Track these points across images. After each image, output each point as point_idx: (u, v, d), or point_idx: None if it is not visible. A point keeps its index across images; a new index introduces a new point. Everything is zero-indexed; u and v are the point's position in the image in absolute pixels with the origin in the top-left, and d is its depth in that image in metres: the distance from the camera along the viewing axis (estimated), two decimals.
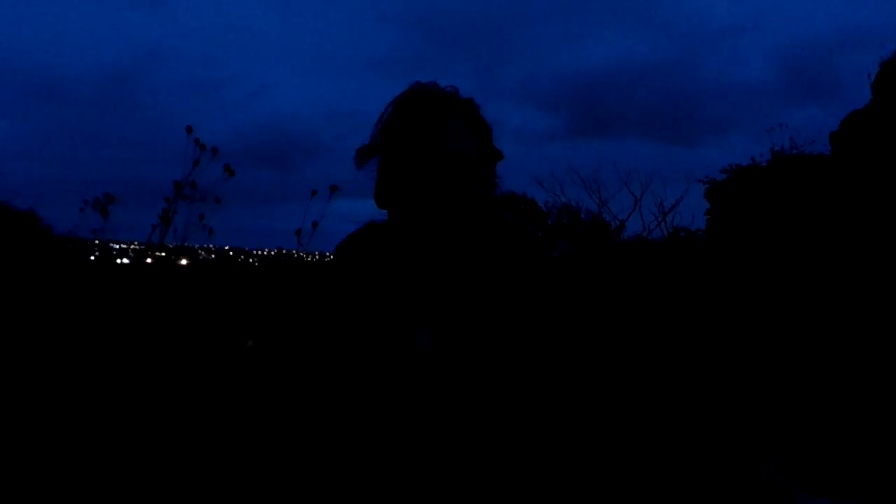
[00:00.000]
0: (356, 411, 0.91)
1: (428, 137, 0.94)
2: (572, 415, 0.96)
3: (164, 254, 3.97)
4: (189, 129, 3.24)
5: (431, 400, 0.91)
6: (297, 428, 0.94)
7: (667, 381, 4.47)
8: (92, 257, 4.99)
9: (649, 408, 3.92)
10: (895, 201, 6.28)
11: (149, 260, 4.04)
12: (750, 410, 4.02)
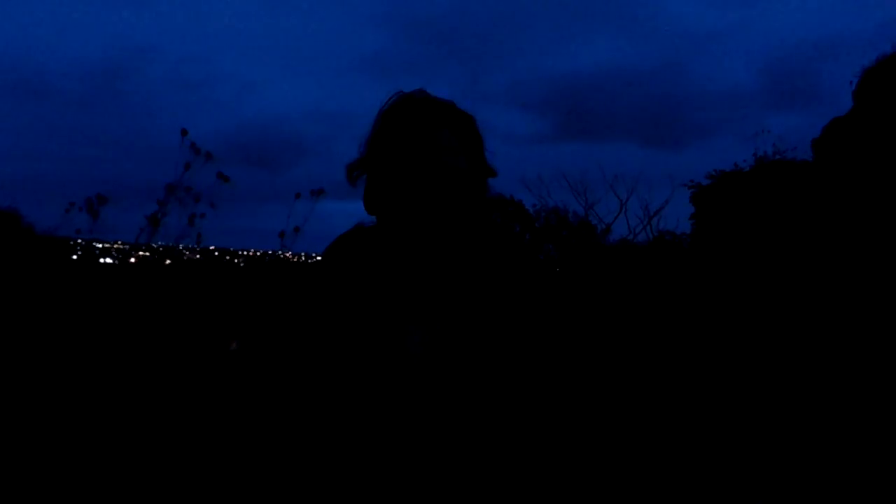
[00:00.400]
0: (343, 413, 0.91)
1: (418, 147, 0.94)
2: (560, 416, 0.96)
3: (148, 254, 3.94)
4: (184, 132, 3.22)
5: (419, 403, 0.91)
6: (283, 429, 0.94)
7: (653, 383, 4.49)
8: (74, 256, 4.93)
9: (635, 409, 3.94)
10: (876, 206, 6.38)
11: (133, 260, 4.00)
12: (736, 413, 4.06)
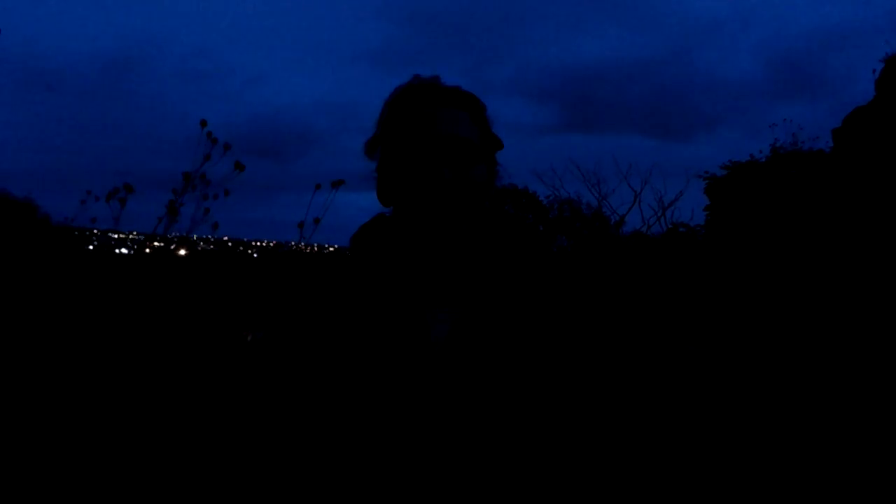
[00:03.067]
0: (366, 406, 0.90)
1: (426, 125, 0.93)
2: (577, 411, 0.95)
3: (163, 244, 3.96)
4: (203, 123, 3.23)
5: (444, 390, 0.90)
6: (302, 423, 0.93)
7: (667, 375, 4.46)
8: (91, 247, 4.97)
9: (650, 401, 3.92)
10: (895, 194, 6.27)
11: (148, 250, 4.02)
12: (749, 404, 4.02)
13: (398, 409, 0.90)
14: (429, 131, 0.93)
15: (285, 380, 0.97)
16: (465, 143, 0.93)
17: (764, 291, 6.27)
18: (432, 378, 0.91)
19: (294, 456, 0.93)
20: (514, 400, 0.91)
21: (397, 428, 0.89)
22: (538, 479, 0.90)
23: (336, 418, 0.91)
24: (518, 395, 0.91)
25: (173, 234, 3.51)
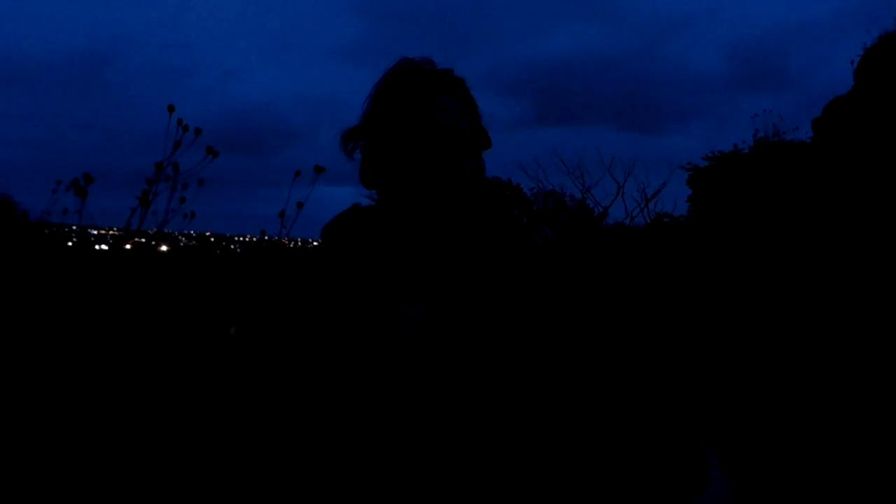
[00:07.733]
0: (344, 397, 0.89)
1: (418, 111, 0.92)
2: (558, 401, 0.94)
3: (143, 240, 3.90)
4: (171, 108, 3.13)
5: (420, 384, 0.89)
6: (282, 417, 0.92)
7: (651, 367, 4.49)
8: (69, 243, 4.90)
9: (634, 395, 3.94)
10: (877, 187, 6.35)
11: (128, 246, 3.96)
12: (735, 396, 4.06)
13: (377, 401, 0.89)
14: (423, 119, 0.91)
15: (262, 376, 0.95)
16: (459, 133, 0.92)
17: (753, 281, 6.33)
18: (409, 369, 0.90)
19: (275, 449, 0.92)
20: (492, 390, 0.90)
21: (377, 419, 0.88)
22: (519, 471, 0.89)
23: (316, 411, 0.90)
24: (496, 386, 0.91)
25: (149, 227, 3.45)
